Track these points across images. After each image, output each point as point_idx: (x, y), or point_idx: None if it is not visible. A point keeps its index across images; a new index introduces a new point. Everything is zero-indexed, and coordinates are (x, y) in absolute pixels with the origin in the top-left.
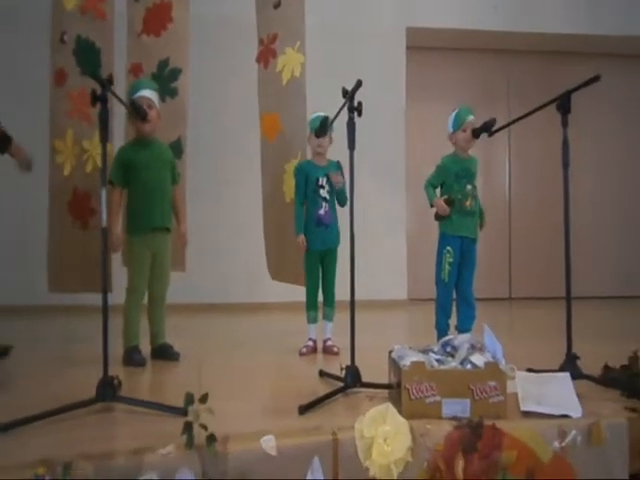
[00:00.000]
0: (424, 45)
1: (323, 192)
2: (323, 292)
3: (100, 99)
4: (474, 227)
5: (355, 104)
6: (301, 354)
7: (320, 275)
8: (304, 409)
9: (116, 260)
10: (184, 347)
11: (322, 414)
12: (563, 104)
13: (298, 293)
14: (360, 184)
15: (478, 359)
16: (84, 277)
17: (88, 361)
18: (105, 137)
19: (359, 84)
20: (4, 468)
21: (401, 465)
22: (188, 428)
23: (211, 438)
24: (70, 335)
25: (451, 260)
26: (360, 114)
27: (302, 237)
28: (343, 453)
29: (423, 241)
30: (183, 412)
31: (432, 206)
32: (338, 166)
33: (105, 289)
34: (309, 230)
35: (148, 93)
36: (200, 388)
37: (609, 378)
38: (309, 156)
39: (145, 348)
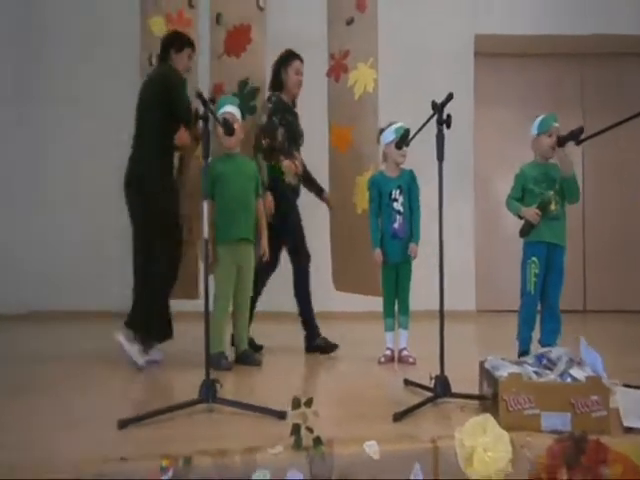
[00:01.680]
0: (493, 51)
1: (397, 205)
2: (398, 301)
3: (202, 118)
4: (561, 233)
5: (444, 117)
6: (380, 363)
7: (395, 285)
8: (399, 416)
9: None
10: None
11: (415, 422)
12: None
13: (360, 302)
14: (428, 193)
15: (578, 373)
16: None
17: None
18: (207, 154)
19: (450, 97)
20: (130, 460)
21: (501, 475)
22: (296, 430)
23: (318, 440)
24: None
25: (537, 271)
26: (449, 126)
27: (378, 251)
28: (443, 461)
29: (492, 251)
30: (282, 415)
31: (520, 218)
32: (411, 175)
33: (207, 294)
34: (385, 243)
35: (231, 109)
36: (302, 393)
37: None
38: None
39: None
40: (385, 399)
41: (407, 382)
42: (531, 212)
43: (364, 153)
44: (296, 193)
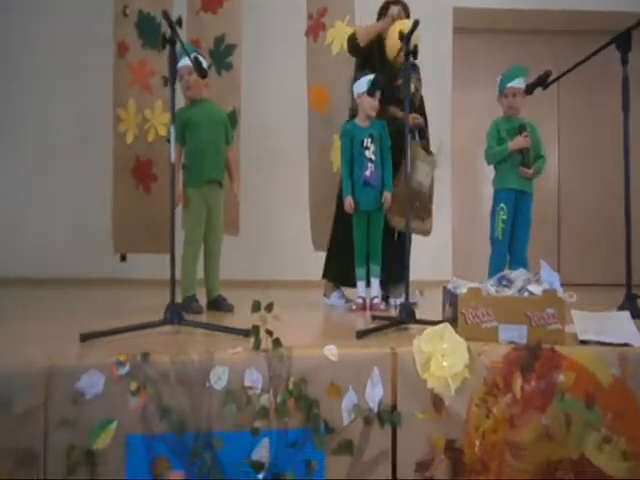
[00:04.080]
0: (470, 26)
1: (368, 153)
2: (370, 250)
3: (169, 42)
4: (529, 181)
5: (411, 47)
6: (351, 310)
7: (367, 234)
8: (362, 334)
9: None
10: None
11: (377, 340)
12: (622, 42)
13: None
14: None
15: (535, 288)
16: (147, 238)
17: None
18: (173, 79)
19: (416, 24)
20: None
21: (458, 380)
22: (256, 331)
23: (277, 342)
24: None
25: (505, 217)
26: (416, 57)
27: (350, 199)
28: (402, 365)
29: (469, 225)
30: (246, 333)
31: (509, 154)
32: (382, 125)
33: (172, 231)
34: (357, 191)
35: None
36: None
37: None
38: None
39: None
40: (351, 327)
41: (374, 317)
42: (518, 140)
43: (341, 111)
44: None
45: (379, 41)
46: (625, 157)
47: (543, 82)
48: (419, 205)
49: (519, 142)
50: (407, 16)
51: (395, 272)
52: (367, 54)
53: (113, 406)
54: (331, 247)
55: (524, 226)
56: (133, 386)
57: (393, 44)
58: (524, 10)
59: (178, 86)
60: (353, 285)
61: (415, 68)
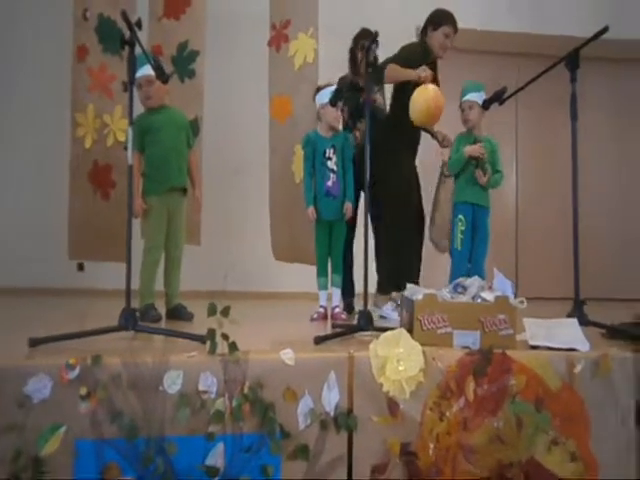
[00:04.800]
0: None
1: (330, 163)
2: (332, 260)
3: (128, 43)
4: (485, 195)
5: (371, 58)
6: (312, 320)
7: (329, 244)
8: (320, 339)
9: (135, 233)
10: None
11: (336, 346)
12: (571, 61)
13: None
14: None
15: (488, 295)
16: (104, 246)
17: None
18: (132, 81)
19: (375, 36)
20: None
21: (413, 384)
22: (211, 335)
23: (233, 345)
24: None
25: (463, 228)
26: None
27: (312, 209)
28: (358, 369)
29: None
30: (202, 339)
31: (466, 159)
32: (345, 137)
33: (129, 236)
34: (318, 201)
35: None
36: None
37: (617, 328)
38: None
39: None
40: (310, 334)
41: (335, 325)
42: (473, 147)
43: (303, 122)
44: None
45: None
46: (573, 167)
47: (499, 98)
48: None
49: (474, 148)
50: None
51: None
52: None
53: (62, 410)
54: (379, 257)
55: (482, 239)
56: (83, 390)
57: (418, 111)
58: (489, 32)
59: (136, 93)
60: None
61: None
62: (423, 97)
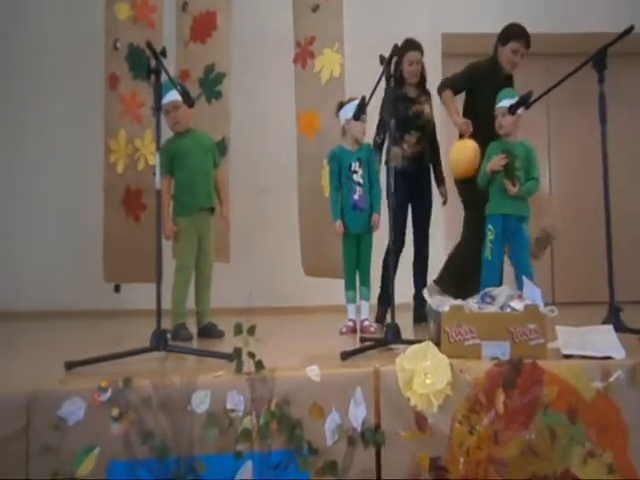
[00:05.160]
0: (460, 52)
1: (357, 177)
2: (360, 273)
3: (154, 71)
4: (518, 205)
5: (392, 71)
6: (341, 333)
7: (356, 257)
8: (346, 355)
9: (167, 254)
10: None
11: (363, 361)
12: (598, 61)
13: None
14: None
15: (517, 304)
16: (138, 268)
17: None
18: (158, 107)
19: (395, 50)
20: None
21: (441, 397)
22: (238, 354)
23: (259, 364)
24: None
25: (492, 237)
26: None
27: (339, 222)
28: (384, 384)
29: None
30: (231, 357)
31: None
32: (369, 149)
33: (159, 244)
34: (346, 214)
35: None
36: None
37: None
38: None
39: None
40: (339, 348)
41: (363, 339)
42: (493, 160)
43: (331, 137)
44: (405, 176)
45: None
46: (604, 170)
47: (525, 102)
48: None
49: (494, 162)
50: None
51: None
52: None
53: (95, 432)
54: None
55: (521, 247)
56: (115, 412)
57: (455, 167)
58: None
59: (164, 118)
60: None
61: (427, 94)
62: (462, 155)
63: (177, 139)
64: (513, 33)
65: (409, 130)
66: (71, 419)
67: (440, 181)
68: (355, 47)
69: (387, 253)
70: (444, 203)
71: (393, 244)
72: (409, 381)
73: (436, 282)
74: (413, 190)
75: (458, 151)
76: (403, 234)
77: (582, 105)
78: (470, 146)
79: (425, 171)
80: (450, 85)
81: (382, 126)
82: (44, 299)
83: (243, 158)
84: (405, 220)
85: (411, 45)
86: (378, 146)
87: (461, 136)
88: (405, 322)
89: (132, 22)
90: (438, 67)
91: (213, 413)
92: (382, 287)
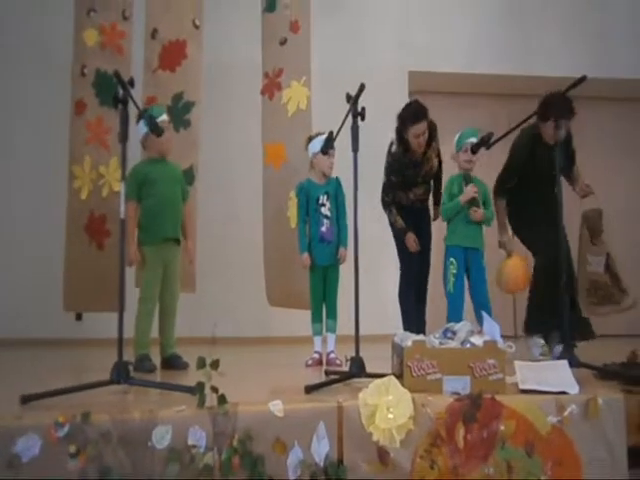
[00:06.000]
0: (426, 89)
1: (324, 210)
2: (326, 305)
3: (121, 100)
4: (479, 237)
5: (359, 109)
6: (307, 366)
7: (323, 290)
8: (310, 389)
9: (130, 283)
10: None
11: (327, 395)
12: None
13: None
14: (364, 226)
15: (477, 339)
16: (99, 296)
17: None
18: (124, 137)
19: (362, 88)
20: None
21: (403, 432)
22: (200, 388)
23: (222, 398)
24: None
25: (454, 271)
26: (363, 118)
27: (306, 255)
28: (347, 419)
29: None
30: (193, 391)
31: (462, 206)
32: (337, 182)
33: (122, 273)
34: (313, 247)
35: (167, 118)
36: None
37: (607, 369)
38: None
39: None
40: (304, 381)
41: (327, 372)
42: (467, 191)
43: (297, 168)
44: (410, 212)
45: None
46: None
47: (485, 143)
48: (603, 293)
49: (468, 193)
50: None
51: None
52: None
53: (51, 469)
54: (532, 299)
55: (480, 280)
56: (72, 448)
57: (505, 282)
58: (477, 74)
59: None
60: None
61: (433, 148)
62: (520, 272)
63: (148, 165)
64: (554, 108)
65: (417, 184)
66: (26, 456)
67: (437, 203)
68: (322, 81)
69: (401, 286)
70: (434, 219)
71: (405, 274)
72: (372, 416)
73: (529, 331)
74: (416, 222)
75: (508, 268)
76: (414, 263)
77: None
78: (522, 264)
79: (428, 207)
80: (503, 192)
81: (389, 186)
82: (2, 327)
83: (210, 187)
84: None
85: (415, 116)
86: (387, 205)
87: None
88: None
89: (100, 48)
90: (405, 103)
91: (174, 449)
92: (402, 319)
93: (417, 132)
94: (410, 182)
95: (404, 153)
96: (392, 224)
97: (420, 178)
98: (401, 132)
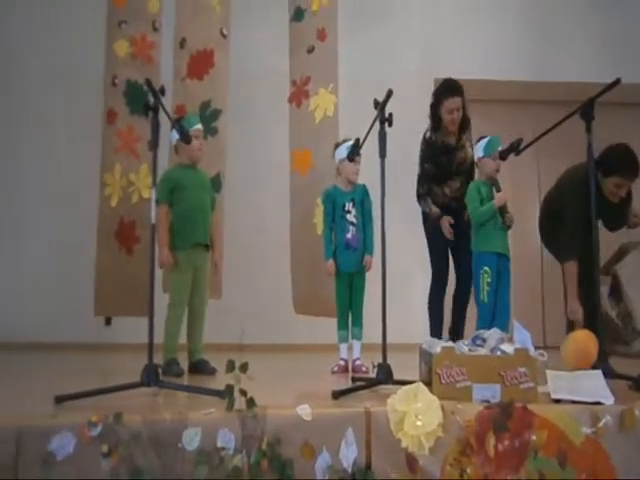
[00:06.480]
0: None
1: (350, 217)
2: (352, 313)
3: (152, 108)
4: (507, 243)
5: (386, 115)
6: (333, 372)
7: (349, 297)
8: (338, 394)
9: (157, 288)
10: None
11: (354, 400)
12: (586, 112)
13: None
14: (390, 232)
15: (508, 347)
16: (129, 301)
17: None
18: (155, 144)
19: (389, 94)
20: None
21: (432, 439)
22: (229, 391)
23: (251, 401)
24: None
25: (489, 280)
26: (390, 124)
27: (331, 262)
28: (376, 425)
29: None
30: (222, 394)
31: (496, 210)
32: (364, 190)
33: (152, 278)
34: (338, 253)
35: (201, 127)
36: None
37: None
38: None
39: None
40: (330, 388)
41: (354, 379)
42: (499, 196)
43: (325, 175)
44: (447, 212)
45: None
46: (593, 217)
47: (515, 149)
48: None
49: (502, 197)
50: None
51: None
52: None
53: (84, 467)
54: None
55: (506, 288)
56: (105, 447)
57: (565, 357)
58: (501, 81)
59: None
60: None
61: (467, 136)
62: (590, 348)
63: (180, 170)
64: (618, 166)
65: (452, 177)
66: (60, 454)
67: None
68: (349, 88)
69: (432, 291)
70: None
71: (437, 279)
72: (400, 422)
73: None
74: (454, 225)
75: (578, 343)
76: (447, 268)
77: (571, 152)
78: (591, 338)
79: (463, 208)
80: (575, 254)
81: (424, 177)
82: (35, 331)
83: (237, 194)
84: (448, 256)
85: (451, 89)
86: (422, 196)
87: (572, 325)
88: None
89: (131, 58)
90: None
91: (204, 451)
92: (430, 324)
93: (451, 106)
94: (444, 172)
95: (437, 135)
96: (426, 216)
97: (454, 167)
98: (435, 108)
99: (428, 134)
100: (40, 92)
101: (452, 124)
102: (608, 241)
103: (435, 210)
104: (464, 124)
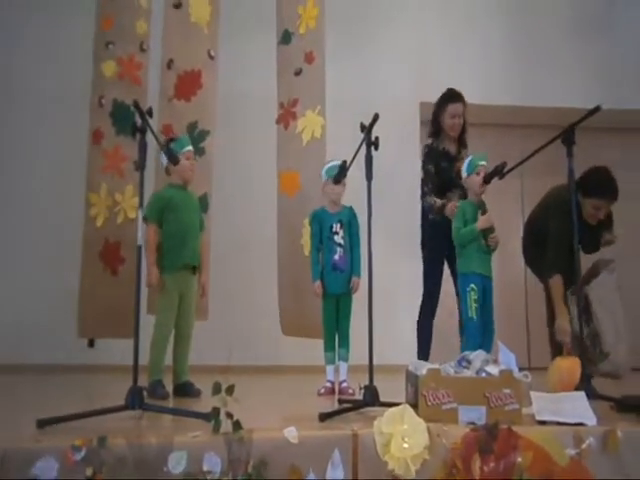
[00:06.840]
0: None
1: (337, 238)
2: (338, 335)
3: (140, 130)
4: (490, 265)
5: (372, 139)
6: (319, 394)
7: (336, 318)
8: (325, 416)
9: (142, 309)
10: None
11: (341, 423)
12: (568, 138)
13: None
14: (377, 254)
15: (493, 369)
16: (113, 323)
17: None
18: (142, 165)
19: (376, 118)
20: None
21: (418, 462)
22: (215, 413)
23: (237, 424)
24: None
25: (476, 297)
26: (377, 148)
27: (318, 283)
28: (363, 447)
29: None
30: (208, 417)
31: (478, 232)
32: (351, 212)
33: (138, 299)
34: (325, 275)
35: (192, 148)
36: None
37: (626, 402)
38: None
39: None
40: (317, 410)
41: (341, 401)
42: (482, 219)
43: (312, 196)
44: (444, 227)
45: None
46: (574, 239)
47: (499, 172)
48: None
49: (486, 220)
50: None
51: None
52: None
53: None
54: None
55: (491, 305)
56: (89, 471)
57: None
58: (488, 105)
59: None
60: None
61: (466, 146)
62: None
63: (171, 190)
64: (596, 189)
65: (451, 188)
66: (43, 478)
67: None
68: (336, 110)
69: (421, 312)
70: None
71: (428, 295)
72: (387, 445)
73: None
74: (450, 242)
75: (564, 372)
76: (439, 285)
77: (556, 173)
78: (577, 366)
79: None
80: (559, 269)
81: (428, 177)
82: (17, 352)
83: (224, 215)
84: (441, 271)
85: (453, 96)
86: (426, 194)
87: (560, 348)
88: None
89: (118, 79)
90: (417, 135)
91: (190, 474)
92: (418, 347)
93: (453, 112)
94: (445, 179)
95: (437, 141)
96: (429, 212)
97: (454, 174)
98: (437, 115)
99: (429, 140)
100: (26, 110)
101: (452, 130)
102: (591, 259)
103: (439, 202)
104: (463, 140)
